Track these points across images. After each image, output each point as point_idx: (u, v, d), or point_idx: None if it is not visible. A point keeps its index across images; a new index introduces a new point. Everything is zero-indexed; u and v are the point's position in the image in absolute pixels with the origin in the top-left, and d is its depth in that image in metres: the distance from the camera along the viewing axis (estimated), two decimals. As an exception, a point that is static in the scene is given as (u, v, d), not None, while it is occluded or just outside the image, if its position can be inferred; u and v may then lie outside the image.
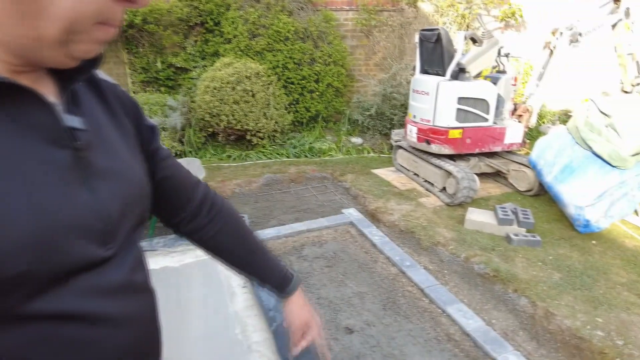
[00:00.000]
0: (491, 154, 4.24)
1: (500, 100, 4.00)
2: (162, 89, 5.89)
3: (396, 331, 2.33)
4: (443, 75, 3.79)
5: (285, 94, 5.74)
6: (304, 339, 0.95)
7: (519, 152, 4.33)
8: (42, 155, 0.52)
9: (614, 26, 3.87)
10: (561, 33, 3.92)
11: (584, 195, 3.02)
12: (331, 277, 2.86)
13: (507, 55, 4.09)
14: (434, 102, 3.80)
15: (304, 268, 2.97)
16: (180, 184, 0.84)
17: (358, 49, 6.38)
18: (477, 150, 4.00)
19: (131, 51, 5.74)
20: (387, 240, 3.28)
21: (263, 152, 5.43)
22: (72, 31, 0.48)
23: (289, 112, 5.72)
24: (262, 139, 5.37)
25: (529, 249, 3.01)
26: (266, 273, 0.93)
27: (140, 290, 0.69)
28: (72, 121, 0.56)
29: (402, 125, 5.01)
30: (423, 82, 3.98)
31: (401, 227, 3.50)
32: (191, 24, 5.70)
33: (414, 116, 4.16)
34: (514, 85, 4.06)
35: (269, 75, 5.40)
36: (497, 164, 4.18)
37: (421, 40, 4.02)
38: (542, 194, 3.87)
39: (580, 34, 3.85)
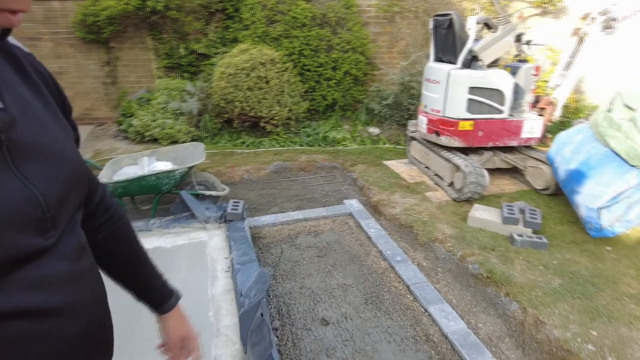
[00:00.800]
0: (508, 149, 3.96)
1: (518, 91, 3.71)
2: (185, 74, 6.02)
3: (373, 327, 2.26)
4: (455, 63, 3.57)
5: (301, 81, 5.68)
6: (182, 355, 0.93)
7: (539, 148, 4.02)
8: None
9: None
10: (593, 19, 3.58)
11: (599, 197, 2.76)
12: (319, 268, 2.81)
13: (528, 43, 3.77)
14: (445, 91, 3.60)
15: (294, 256, 2.94)
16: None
17: (381, 36, 6.18)
18: (490, 144, 3.75)
19: (155, 37, 5.89)
20: (383, 233, 3.18)
21: (277, 139, 5.43)
22: None
23: (304, 100, 5.66)
24: (276, 126, 5.36)
25: (533, 251, 2.80)
26: (147, 287, 0.90)
27: (87, 276, 0.66)
28: None
29: (418, 115, 4.81)
30: (435, 70, 3.77)
31: (401, 221, 3.39)
32: (212, 10, 5.75)
33: (425, 106, 3.97)
34: (536, 75, 3.74)
35: (284, 62, 5.36)
36: (513, 159, 3.90)
37: (435, 27, 3.81)
38: (560, 194, 3.58)
39: (614, 20, 3.49)
